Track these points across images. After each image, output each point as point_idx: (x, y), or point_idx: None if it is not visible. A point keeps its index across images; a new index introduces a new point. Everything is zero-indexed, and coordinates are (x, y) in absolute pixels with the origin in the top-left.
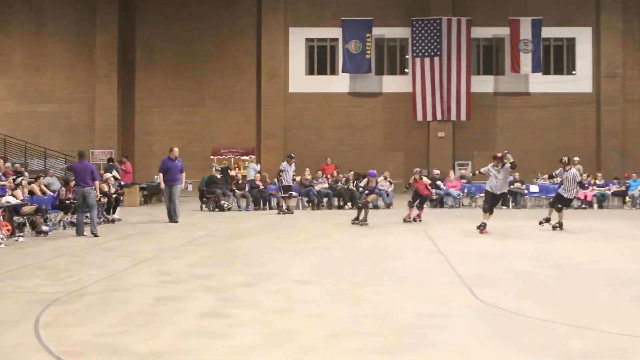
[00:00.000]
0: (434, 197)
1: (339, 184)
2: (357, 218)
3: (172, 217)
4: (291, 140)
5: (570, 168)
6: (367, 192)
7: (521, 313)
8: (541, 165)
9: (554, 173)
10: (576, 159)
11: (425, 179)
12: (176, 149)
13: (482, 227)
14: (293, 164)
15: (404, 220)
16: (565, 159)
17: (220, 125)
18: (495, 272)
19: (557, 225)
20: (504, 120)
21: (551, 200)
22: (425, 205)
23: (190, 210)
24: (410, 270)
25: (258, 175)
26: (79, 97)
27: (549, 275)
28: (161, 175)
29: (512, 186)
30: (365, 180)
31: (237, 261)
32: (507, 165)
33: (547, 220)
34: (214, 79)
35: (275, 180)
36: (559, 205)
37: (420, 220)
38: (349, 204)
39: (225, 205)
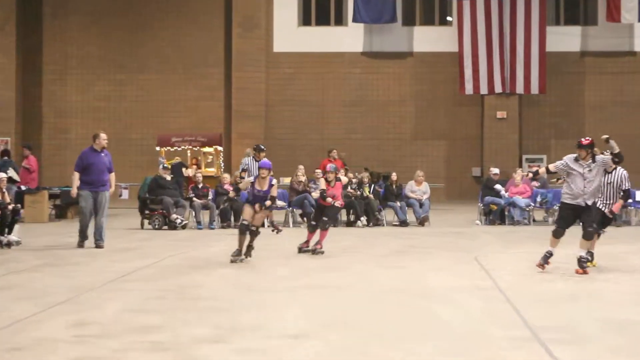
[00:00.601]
0: (349, 202)
1: (349, 188)
2: (247, 251)
3: (97, 240)
4: (277, 124)
5: (615, 168)
6: (252, 199)
7: None
8: None
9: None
10: None
11: (344, 179)
12: (103, 135)
13: (543, 261)
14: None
15: (300, 250)
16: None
17: (170, 102)
18: (581, 321)
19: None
20: (597, 94)
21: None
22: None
23: (125, 228)
24: (457, 318)
25: (226, 176)
26: None
27: None
28: (76, 174)
29: None
30: (245, 176)
31: (197, 305)
32: (602, 157)
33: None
34: (161, 32)
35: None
36: (600, 228)
37: (320, 252)
38: (364, 218)
39: (179, 221)
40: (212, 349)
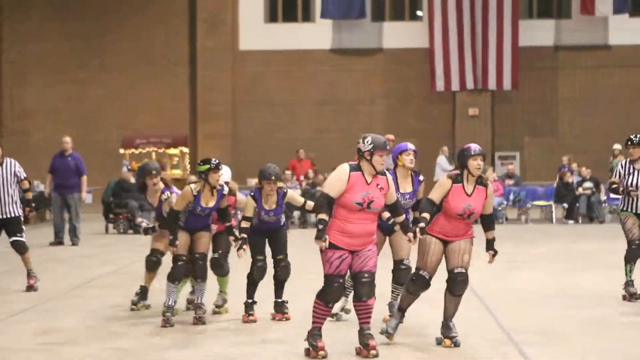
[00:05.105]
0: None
1: (318, 189)
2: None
3: (71, 238)
4: (244, 124)
5: None
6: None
7: None
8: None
9: (614, 177)
10: (617, 147)
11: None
12: (64, 139)
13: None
14: None
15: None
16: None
17: (133, 102)
18: (557, 321)
19: None
20: (571, 89)
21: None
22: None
23: (89, 233)
24: (429, 321)
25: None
26: None
27: (636, 324)
28: (48, 176)
29: (579, 189)
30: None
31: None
32: None
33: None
34: (123, 29)
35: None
36: None
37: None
38: None
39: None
40: (181, 354)
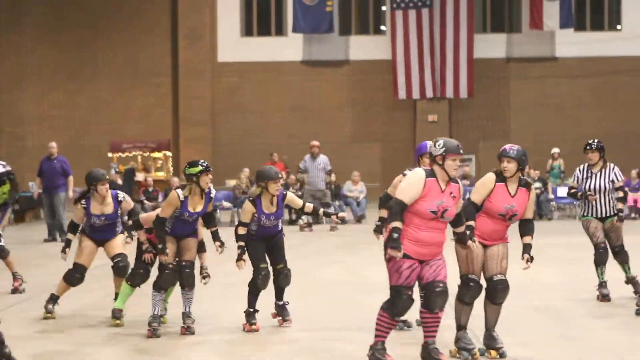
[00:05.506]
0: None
1: (291, 189)
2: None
3: (61, 236)
4: (222, 130)
5: (603, 167)
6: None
7: None
8: (575, 161)
9: (572, 181)
10: (555, 150)
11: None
12: (50, 144)
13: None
14: None
15: None
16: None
17: (121, 109)
18: (511, 310)
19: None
20: (521, 97)
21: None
22: None
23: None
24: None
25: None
26: None
27: (586, 314)
28: (37, 179)
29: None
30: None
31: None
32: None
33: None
34: (111, 42)
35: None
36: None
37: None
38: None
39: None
40: (170, 338)
